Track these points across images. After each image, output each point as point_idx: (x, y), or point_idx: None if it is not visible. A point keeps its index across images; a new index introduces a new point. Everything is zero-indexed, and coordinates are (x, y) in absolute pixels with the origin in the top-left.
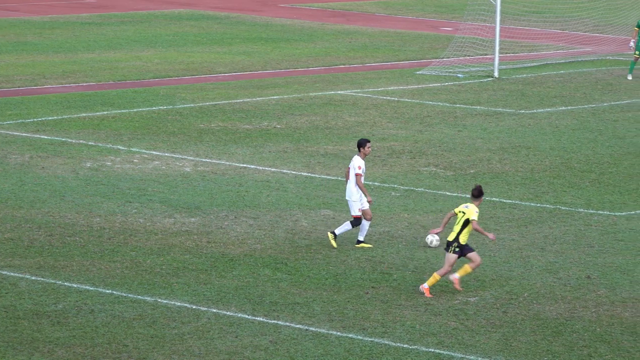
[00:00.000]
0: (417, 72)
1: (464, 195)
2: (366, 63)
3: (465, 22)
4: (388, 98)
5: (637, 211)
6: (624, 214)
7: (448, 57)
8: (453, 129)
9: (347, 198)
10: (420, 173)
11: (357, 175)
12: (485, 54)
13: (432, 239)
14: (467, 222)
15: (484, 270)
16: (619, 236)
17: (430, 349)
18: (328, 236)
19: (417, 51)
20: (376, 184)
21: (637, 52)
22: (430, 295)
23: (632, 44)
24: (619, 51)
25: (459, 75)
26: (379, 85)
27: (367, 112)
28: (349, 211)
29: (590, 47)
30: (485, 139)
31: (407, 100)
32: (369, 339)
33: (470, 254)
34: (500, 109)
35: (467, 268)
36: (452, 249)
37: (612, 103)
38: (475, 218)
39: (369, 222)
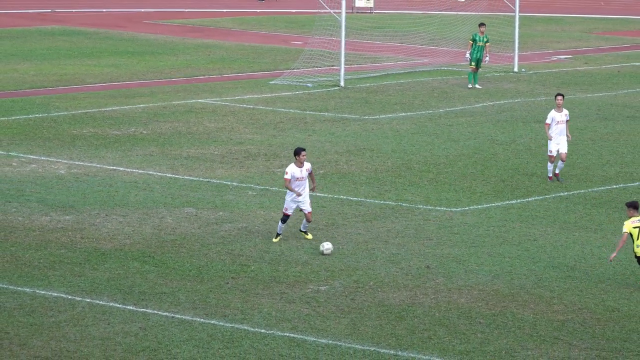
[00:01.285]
0: (271, 82)
1: (313, 194)
2: (224, 74)
3: (314, 37)
4: (244, 106)
5: (471, 207)
6: (458, 209)
7: (298, 68)
8: (304, 134)
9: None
10: (275, 174)
11: (284, 179)
12: (332, 65)
13: (323, 248)
14: None
15: (333, 261)
16: (455, 230)
17: (285, 334)
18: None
19: (270, 63)
20: (234, 184)
21: (472, 63)
22: None
23: (467, 55)
24: (452, 62)
25: (308, 84)
26: (235, 94)
27: (225, 119)
28: (209, 209)
29: (426, 58)
30: (333, 142)
31: (261, 107)
32: (230, 325)
33: None
34: (346, 115)
35: None
36: None
37: (447, 109)
38: None
39: (309, 223)
